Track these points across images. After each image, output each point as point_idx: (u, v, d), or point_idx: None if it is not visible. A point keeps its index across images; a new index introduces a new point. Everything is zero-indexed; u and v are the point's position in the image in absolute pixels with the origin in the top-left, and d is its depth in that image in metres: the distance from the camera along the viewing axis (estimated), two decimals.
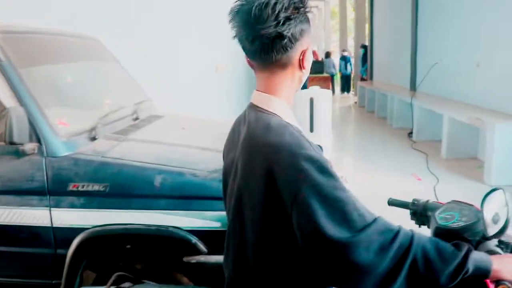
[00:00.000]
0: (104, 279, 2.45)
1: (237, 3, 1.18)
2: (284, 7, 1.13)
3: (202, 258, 2.28)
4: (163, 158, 2.51)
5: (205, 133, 3.21)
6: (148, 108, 3.52)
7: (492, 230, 1.09)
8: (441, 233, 1.18)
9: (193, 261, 2.31)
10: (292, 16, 1.14)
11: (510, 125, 5.60)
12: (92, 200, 2.34)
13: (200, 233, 2.30)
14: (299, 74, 1.25)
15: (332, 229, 1.00)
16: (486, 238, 1.12)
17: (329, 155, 2.08)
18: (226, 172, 1.33)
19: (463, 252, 1.05)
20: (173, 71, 5.07)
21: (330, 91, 2.13)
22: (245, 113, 1.29)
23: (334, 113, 13.10)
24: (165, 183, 2.33)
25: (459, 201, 1.28)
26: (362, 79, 14.82)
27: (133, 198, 2.35)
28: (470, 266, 1.04)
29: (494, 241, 1.14)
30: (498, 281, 1.06)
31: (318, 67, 15.55)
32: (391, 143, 8.28)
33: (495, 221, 1.11)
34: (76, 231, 2.35)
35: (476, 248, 1.13)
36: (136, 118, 3.17)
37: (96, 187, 2.33)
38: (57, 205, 2.34)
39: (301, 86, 1.33)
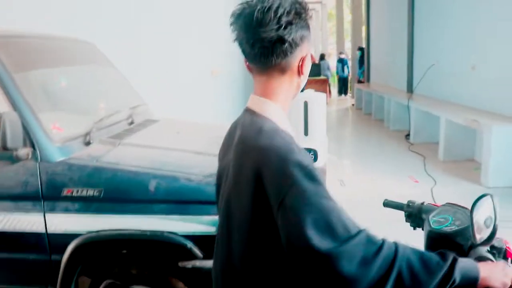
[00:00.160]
0: (99, 285, 2.44)
1: (239, 6, 1.18)
2: (286, 11, 1.13)
3: (197, 263, 2.27)
4: (158, 163, 2.50)
5: (200, 137, 3.20)
6: (144, 112, 3.50)
7: (480, 238, 1.09)
8: (434, 237, 1.17)
9: (188, 266, 2.30)
10: (293, 21, 1.15)
11: (507, 127, 5.60)
12: (86, 205, 2.33)
13: (196, 238, 2.28)
14: (297, 80, 1.25)
15: (316, 238, 0.99)
16: (473, 247, 1.11)
17: (324, 159, 2.07)
18: (220, 175, 1.33)
19: (448, 262, 1.03)
20: (169, 75, 5.06)
21: (324, 95, 2.13)
22: (240, 117, 1.29)
23: (331, 116, 13.15)
24: (160, 187, 2.32)
25: (454, 204, 1.27)
26: (359, 82, 14.85)
27: (128, 203, 2.34)
28: (457, 275, 1.03)
29: (486, 247, 1.13)
30: None
31: (315, 69, 15.56)
32: (388, 145, 8.28)
33: (487, 225, 1.11)
34: (70, 236, 2.33)
35: (467, 254, 1.13)
36: (131, 123, 3.16)
37: (90, 192, 2.32)
38: (51, 211, 2.33)
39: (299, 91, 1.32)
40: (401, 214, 1.48)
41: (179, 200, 2.33)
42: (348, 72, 17.39)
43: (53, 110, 2.67)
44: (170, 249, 2.35)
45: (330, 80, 18.23)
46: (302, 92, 2.13)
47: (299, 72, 1.23)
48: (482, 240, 1.08)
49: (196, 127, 3.65)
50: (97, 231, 2.33)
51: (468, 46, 7.21)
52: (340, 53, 18.51)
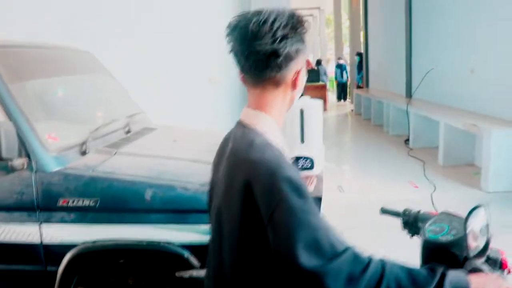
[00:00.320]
0: None
1: (235, 18, 1.18)
2: (282, 25, 1.13)
3: (194, 273, 2.25)
4: (154, 172, 2.49)
5: (198, 145, 3.19)
6: (141, 120, 3.49)
7: (474, 250, 1.07)
8: (429, 247, 1.16)
9: (185, 276, 2.28)
10: (289, 35, 1.14)
11: (506, 131, 5.59)
12: (82, 215, 2.31)
13: (193, 247, 2.27)
14: (291, 94, 1.25)
15: (303, 256, 0.99)
16: (468, 258, 1.09)
17: (321, 166, 2.06)
18: (212, 187, 1.33)
19: (437, 277, 1.02)
20: (167, 82, 5.06)
21: (321, 102, 2.12)
22: (233, 129, 1.29)
23: (330, 121, 13.16)
24: (156, 197, 2.30)
25: (450, 213, 1.26)
26: (358, 87, 14.86)
27: (124, 213, 2.33)
28: None
29: (481, 259, 1.12)
30: None
31: (313, 75, 15.59)
32: (388, 150, 8.27)
33: (483, 234, 1.09)
34: (66, 247, 2.31)
35: (463, 265, 1.11)
36: (128, 131, 3.14)
37: (86, 202, 2.30)
38: (47, 221, 2.31)
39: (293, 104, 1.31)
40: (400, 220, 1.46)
41: (176, 209, 2.31)
42: (347, 77, 17.41)
43: (49, 120, 2.66)
44: (167, 259, 2.33)
45: (329, 86, 18.26)
46: (298, 100, 2.12)
47: (294, 85, 1.22)
48: (476, 252, 1.07)
49: (194, 135, 3.64)
50: (93, 242, 2.31)
51: (467, 50, 7.22)
52: (339, 58, 18.54)
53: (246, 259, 1.14)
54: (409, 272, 1.03)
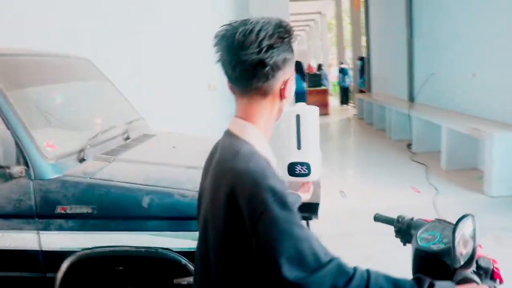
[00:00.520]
0: None
1: (222, 27, 1.18)
2: (268, 35, 1.13)
3: (192, 280, 2.24)
4: (152, 179, 2.49)
5: (196, 151, 3.18)
6: (140, 127, 3.50)
7: (461, 260, 1.06)
8: (420, 255, 1.15)
9: (183, 282, 2.28)
10: (275, 45, 1.14)
11: (509, 135, 5.56)
12: (80, 222, 2.32)
13: (190, 254, 2.26)
14: (279, 104, 1.25)
15: (285, 267, 0.99)
16: (457, 268, 1.07)
17: (318, 172, 2.05)
18: (200, 195, 1.34)
19: None
20: (166, 88, 5.07)
21: (317, 108, 2.12)
22: (221, 139, 1.29)
23: (332, 126, 13.14)
24: (153, 204, 2.31)
25: (443, 220, 1.25)
26: (361, 91, 14.85)
27: (122, 220, 2.33)
28: None
29: (468, 269, 1.10)
30: None
31: (315, 80, 15.59)
32: (390, 155, 8.24)
33: (470, 243, 1.08)
34: (65, 254, 2.32)
35: (453, 274, 1.10)
36: (127, 138, 3.15)
37: (84, 209, 2.31)
38: (45, 228, 2.32)
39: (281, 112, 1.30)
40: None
41: (173, 216, 2.31)
42: (350, 81, 17.41)
43: (47, 128, 2.67)
44: (165, 266, 2.33)
45: (332, 90, 18.26)
46: (294, 105, 2.11)
47: (282, 95, 1.22)
48: (463, 262, 1.05)
49: (193, 141, 3.64)
50: (91, 248, 2.31)
51: (470, 55, 7.20)
52: (341, 63, 18.56)
53: (231, 267, 1.13)
54: (395, 283, 1.02)
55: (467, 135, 6.27)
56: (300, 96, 12.57)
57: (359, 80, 15.40)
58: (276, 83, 1.19)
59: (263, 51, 1.12)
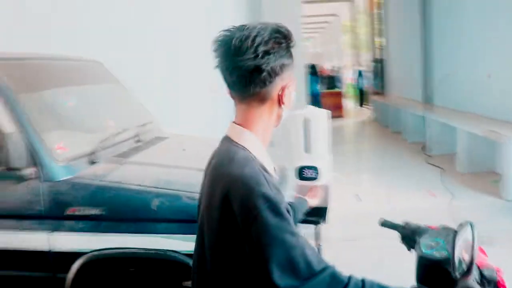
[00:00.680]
0: None
1: (220, 33, 1.18)
2: (264, 40, 1.12)
3: None
4: (161, 181, 2.50)
5: (207, 154, 3.18)
6: (152, 130, 3.52)
7: (459, 268, 1.03)
8: (423, 262, 1.12)
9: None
10: (271, 51, 1.13)
11: None
12: (90, 224, 2.34)
13: None
14: (278, 110, 1.23)
15: (276, 274, 0.99)
16: (457, 277, 1.05)
17: (328, 176, 2.03)
18: (200, 199, 1.34)
19: None
20: (176, 89, 5.06)
21: (326, 111, 2.11)
22: (219, 144, 1.29)
23: (347, 128, 13.06)
24: (162, 206, 2.32)
25: (449, 227, 1.22)
26: (376, 93, 14.74)
27: (131, 222, 2.34)
28: None
29: (475, 276, 1.08)
30: None
31: (330, 82, 15.53)
32: (406, 158, 8.15)
33: (469, 252, 1.05)
34: (74, 255, 2.34)
35: (456, 283, 1.07)
36: (139, 140, 3.16)
37: (94, 211, 2.33)
38: (55, 230, 2.35)
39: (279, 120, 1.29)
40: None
41: (182, 219, 2.31)
42: (365, 83, 17.29)
43: (59, 130, 2.70)
44: (173, 268, 2.33)
45: (347, 92, 18.16)
46: (303, 109, 2.10)
47: (280, 101, 1.21)
48: (461, 270, 1.03)
49: (204, 144, 3.63)
50: (101, 250, 2.33)
51: (486, 56, 7.08)
52: (356, 65, 18.44)
53: (226, 267, 1.14)
54: None
55: (483, 138, 6.16)
56: (314, 99, 12.54)
57: (374, 82, 15.29)
58: (274, 89, 1.18)
59: (259, 57, 1.12)
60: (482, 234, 1.26)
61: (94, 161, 2.59)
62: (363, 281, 1.02)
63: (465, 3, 7.75)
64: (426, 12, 9.65)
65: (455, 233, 1.05)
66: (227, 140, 1.24)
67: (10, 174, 2.32)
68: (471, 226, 1.08)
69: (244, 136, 1.20)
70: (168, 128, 3.78)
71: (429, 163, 7.40)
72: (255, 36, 1.12)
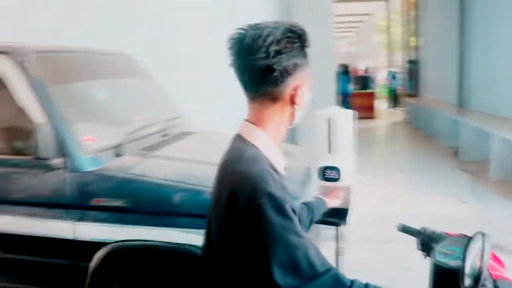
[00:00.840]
0: None
1: (235, 31, 1.18)
2: (275, 40, 1.11)
3: None
4: (184, 176, 2.52)
5: None
6: (180, 124, 3.55)
7: (469, 279, 0.99)
8: (438, 270, 1.09)
9: None
10: (283, 50, 1.13)
11: None
12: (113, 215, 2.38)
13: None
14: (291, 110, 1.23)
15: (278, 274, 0.98)
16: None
17: (351, 177, 2.01)
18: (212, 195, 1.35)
19: None
20: (208, 86, 5.10)
21: (351, 111, 2.08)
22: (231, 142, 1.30)
23: (379, 130, 12.87)
24: (184, 201, 2.33)
25: (467, 236, 1.18)
26: (409, 95, 14.46)
27: (153, 215, 2.37)
28: None
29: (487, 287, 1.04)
30: None
31: (362, 82, 15.33)
32: (437, 162, 7.96)
33: (479, 262, 1.01)
34: (98, 245, 2.39)
35: None
36: (165, 135, 3.20)
37: (117, 203, 2.37)
38: (80, 219, 2.40)
39: (295, 119, 1.28)
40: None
41: (203, 214, 2.32)
42: (398, 85, 16.98)
43: (87, 122, 2.76)
44: (193, 262, 2.34)
45: (380, 93, 17.89)
46: (327, 109, 2.08)
47: (292, 101, 1.20)
48: (471, 281, 0.99)
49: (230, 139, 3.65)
50: (123, 241, 2.37)
51: None
52: (390, 65, 18.13)
53: (230, 264, 1.15)
54: None
55: None
56: (344, 99, 12.41)
57: (408, 84, 14.99)
58: (286, 88, 1.17)
59: (271, 56, 1.11)
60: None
61: (120, 153, 2.64)
62: (366, 285, 1.00)
63: (505, 4, 7.50)
64: (464, 13, 9.39)
65: (468, 241, 1.01)
66: (238, 137, 1.24)
67: (39, 163, 2.40)
68: (482, 236, 1.05)
69: (255, 135, 1.20)
70: (195, 123, 3.81)
71: (460, 169, 7.21)
72: (267, 35, 1.11)
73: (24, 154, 2.44)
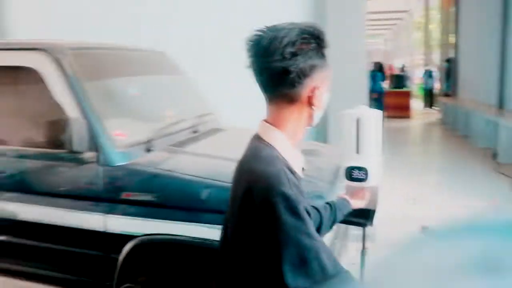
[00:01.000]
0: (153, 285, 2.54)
1: (253, 33, 1.19)
2: (291, 42, 1.12)
3: None
4: (213, 173, 2.54)
5: None
6: (210, 121, 3.58)
7: None
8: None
9: None
10: (299, 52, 1.13)
11: None
12: (142, 209, 2.44)
13: None
14: (309, 111, 1.23)
15: (289, 274, 0.99)
16: None
17: (377, 178, 1.99)
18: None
19: None
20: (238, 84, 5.12)
21: (379, 111, 2.05)
22: (250, 141, 1.32)
23: (413, 130, 12.62)
24: (211, 197, 2.36)
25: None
26: (446, 95, 14.09)
27: (181, 210, 2.41)
28: None
29: None
30: None
31: (397, 81, 15.04)
32: (472, 164, 7.74)
33: None
34: (127, 237, 2.45)
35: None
36: (195, 131, 3.24)
37: (146, 197, 2.43)
38: (110, 212, 2.47)
39: (314, 122, 1.28)
40: None
41: None
42: (434, 84, 16.57)
43: (120, 117, 2.83)
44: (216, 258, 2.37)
45: (415, 92, 17.51)
46: (354, 108, 2.06)
47: (310, 102, 1.20)
48: None
49: None
50: (151, 235, 2.42)
51: None
52: (427, 64, 17.71)
53: (244, 261, 1.16)
54: None
55: None
56: (377, 97, 12.20)
57: (445, 83, 14.61)
58: (304, 90, 1.18)
59: (287, 58, 1.12)
60: None
61: (150, 149, 2.69)
62: None
63: None
64: (506, 10, 9.07)
65: None
66: (256, 137, 1.26)
67: (72, 156, 2.48)
68: None
69: (272, 135, 1.22)
70: (227, 120, 3.83)
71: (498, 172, 6.98)
72: (283, 37, 1.12)
73: (58, 148, 2.52)
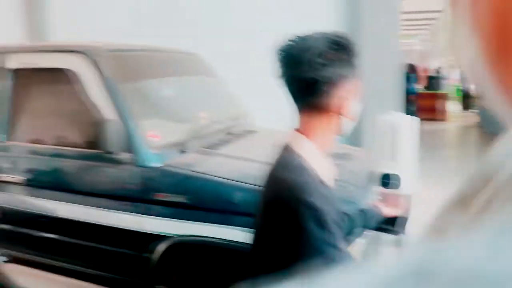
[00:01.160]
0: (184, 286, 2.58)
1: (284, 42, 1.20)
2: (320, 52, 1.13)
3: None
4: (246, 176, 2.55)
5: None
6: (243, 123, 3.59)
7: None
8: None
9: None
10: (327, 62, 1.13)
11: None
12: (176, 210, 2.47)
13: None
14: (338, 120, 1.23)
15: None
16: None
17: (411, 186, 1.96)
18: None
19: None
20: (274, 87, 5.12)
21: (416, 118, 2.01)
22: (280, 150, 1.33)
23: (448, 133, 12.31)
24: (244, 200, 2.37)
25: None
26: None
27: (213, 212, 2.43)
28: None
29: None
30: None
31: (432, 83, 14.69)
32: None
33: None
34: (160, 238, 2.49)
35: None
36: (229, 133, 3.26)
37: (180, 199, 2.45)
38: (144, 212, 2.51)
39: (346, 130, 1.29)
40: None
41: None
42: (471, 86, 16.09)
43: (154, 119, 2.88)
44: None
45: (452, 94, 17.07)
46: (390, 115, 2.03)
47: (338, 111, 1.20)
48: None
49: None
50: (184, 236, 2.45)
51: None
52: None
53: (268, 266, 1.18)
54: None
55: None
56: (409, 99, 11.97)
57: None
58: (332, 100, 1.18)
59: (315, 68, 1.12)
60: None
61: (184, 150, 2.72)
62: None
63: None
64: None
65: None
66: (286, 146, 1.26)
67: (107, 157, 2.53)
68: None
69: (301, 144, 1.22)
70: (261, 122, 3.84)
71: None
72: (312, 47, 1.12)
73: (94, 148, 2.59)
